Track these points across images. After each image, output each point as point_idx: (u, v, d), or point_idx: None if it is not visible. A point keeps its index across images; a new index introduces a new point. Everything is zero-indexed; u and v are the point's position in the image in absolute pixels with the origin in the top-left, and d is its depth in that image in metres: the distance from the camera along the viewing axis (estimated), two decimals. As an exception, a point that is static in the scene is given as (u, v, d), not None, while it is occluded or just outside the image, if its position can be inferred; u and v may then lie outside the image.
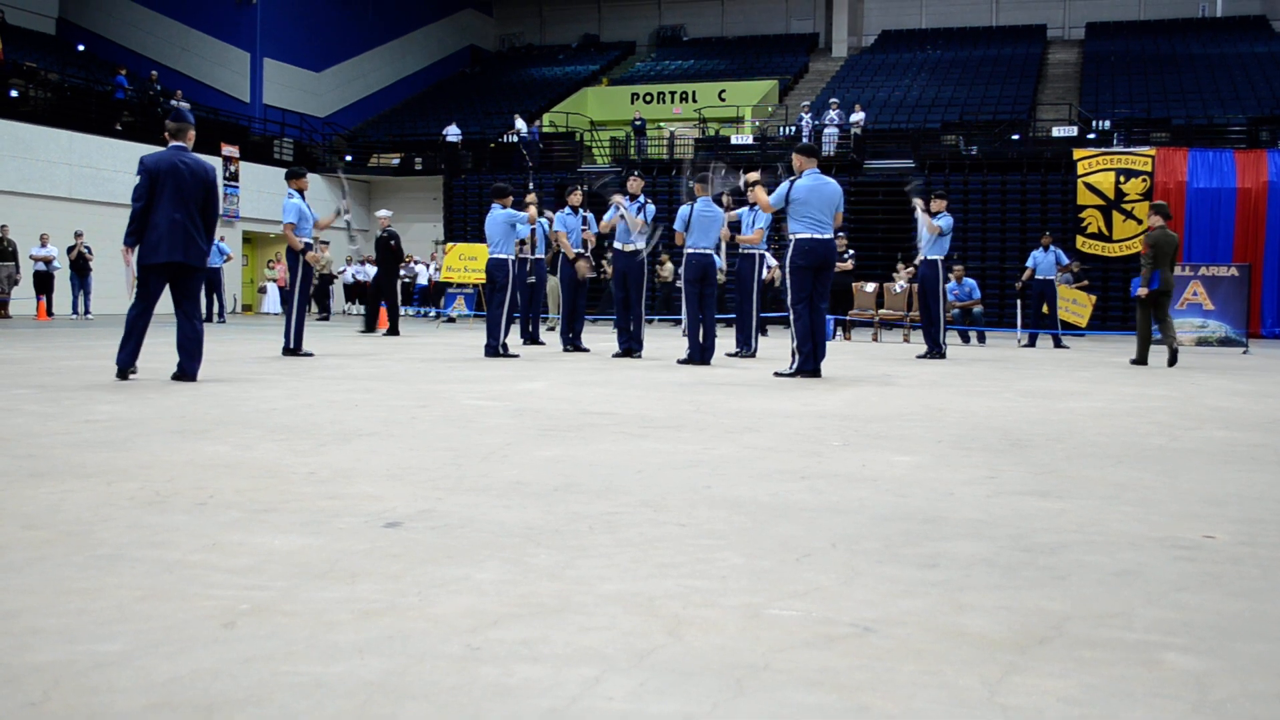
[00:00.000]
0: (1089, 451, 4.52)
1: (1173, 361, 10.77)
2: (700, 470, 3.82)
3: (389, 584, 2.30)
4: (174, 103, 7.32)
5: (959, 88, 28.99)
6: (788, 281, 8.47)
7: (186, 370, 6.98)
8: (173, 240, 6.90)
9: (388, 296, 15.61)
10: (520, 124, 28.21)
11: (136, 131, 23.62)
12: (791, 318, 8.45)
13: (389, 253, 15.50)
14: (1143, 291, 11.24)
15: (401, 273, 20.10)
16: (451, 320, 21.31)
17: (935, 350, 11.57)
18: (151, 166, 6.93)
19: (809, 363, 8.33)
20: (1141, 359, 11.19)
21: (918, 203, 11.70)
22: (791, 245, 8.40)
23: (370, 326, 15.93)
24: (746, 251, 11.13)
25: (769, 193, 8.77)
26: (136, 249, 7.01)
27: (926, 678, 1.79)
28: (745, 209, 11.33)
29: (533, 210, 11.91)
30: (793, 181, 8.45)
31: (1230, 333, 15.22)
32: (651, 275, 12.34)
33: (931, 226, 11.41)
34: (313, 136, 30.23)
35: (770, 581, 2.37)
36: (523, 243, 11.91)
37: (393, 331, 15.12)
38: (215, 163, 24.99)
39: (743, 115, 29.75)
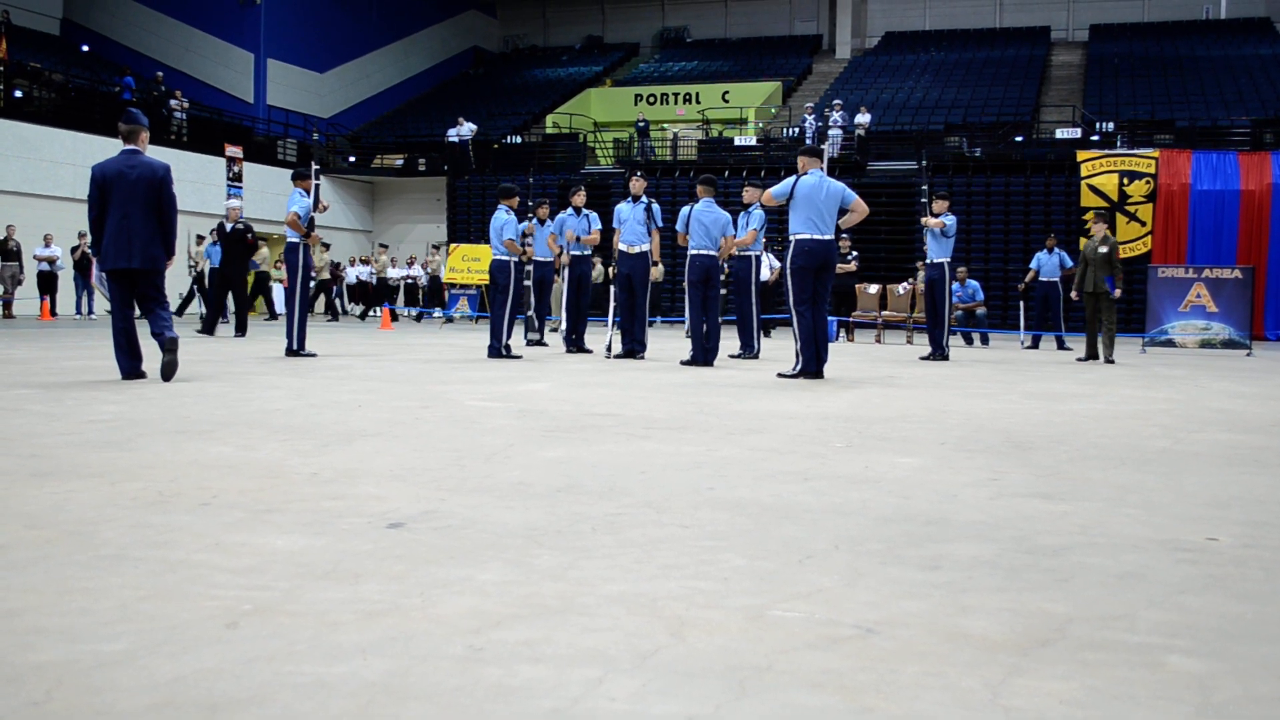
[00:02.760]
0: (1092, 454, 4.52)
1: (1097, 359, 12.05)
2: (703, 472, 3.82)
3: (392, 585, 2.30)
4: (131, 109, 7.37)
5: (962, 89, 28.98)
6: (789, 283, 8.47)
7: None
8: (118, 246, 6.96)
9: (237, 291, 14.38)
10: (467, 127, 28.15)
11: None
12: (793, 319, 8.44)
13: (243, 246, 14.32)
14: (1075, 295, 12.55)
15: (260, 267, 19.67)
16: (446, 319, 21.33)
17: (939, 352, 11.56)
18: (98, 175, 7.01)
19: (811, 364, 8.32)
20: (1111, 356, 12.03)
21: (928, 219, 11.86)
22: (792, 246, 8.40)
23: (209, 328, 14.21)
24: (743, 253, 11.13)
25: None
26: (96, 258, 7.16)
27: (929, 679, 1.79)
28: (742, 213, 11.33)
29: (542, 212, 11.99)
30: (798, 178, 8.45)
31: (1233, 335, 15.20)
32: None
33: (934, 222, 11.45)
34: (316, 137, 30.25)
35: (773, 583, 2.37)
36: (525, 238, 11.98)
37: (240, 330, 13.95)
38: (218, 163, 25.11)
39: (746, 117, 29.76)
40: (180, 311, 21.36)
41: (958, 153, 24.45)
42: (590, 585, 2.32)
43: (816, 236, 8.32)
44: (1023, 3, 35.79)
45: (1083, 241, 21.01)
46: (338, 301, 24.77)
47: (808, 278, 8.37)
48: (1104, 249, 12.11)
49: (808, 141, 24.83)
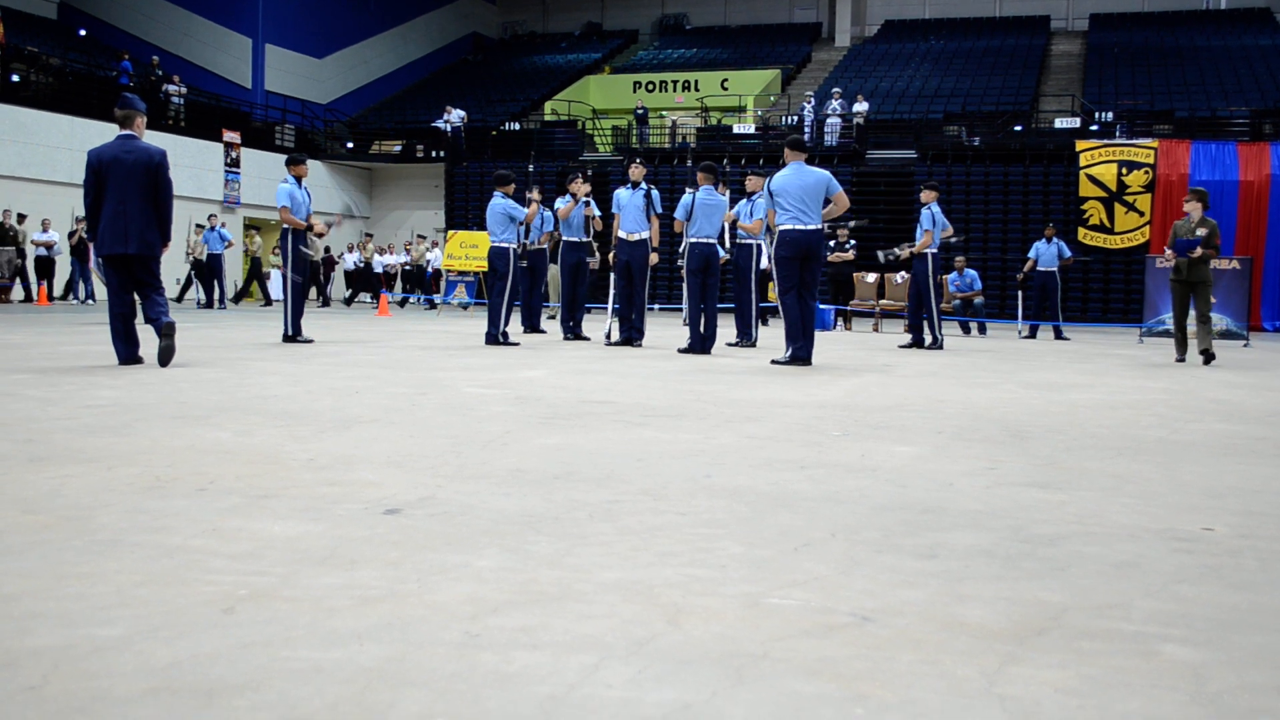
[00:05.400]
0: (1089, 443, 4.52)
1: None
2: (700, 459, 3.82)
3: (388, 571, 2.30)
4: (127, 94, 7.41)
5: (962, 78, 28.91)
6: (774, 273, 8.60)
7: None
8: (114, 232, 6.95)
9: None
10: (456, 114, 28.04)
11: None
12: (780, 308, 8.56)
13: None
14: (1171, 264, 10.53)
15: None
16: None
17: (918, 340, 11.66)
18: (94, 161, 6.99)
19: (800, 351, 8.40)
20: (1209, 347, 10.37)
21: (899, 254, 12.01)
22: (776, 236, 8.52)
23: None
24: (744, 241, 11.14)
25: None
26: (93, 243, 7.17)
27: (925, 667, 1.79)
28: (744, 200, 11.34)
29: (534, 208, 11.94)
30: (772, 175, 8.63)
31: (1231, 326, 15.19)
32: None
33: (921, 245, 11.54)
34: (314, 123, 30.16)
35: (769, 571, 2.37)
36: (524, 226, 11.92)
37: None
38: (215, 149, 25.05)
39: (745, 105, 29.68)
40: (180, 298, 21.35)
41: (956, 142, 24.41)
42: (587, 572, 2.32)
43: (799, 226, 8.40)
44: (1022, -8, 35.74)
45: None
46: (329, 288, 24.83)
47: (793, 267, 8.47)
48: (1202, 231, 10.30)
49: (806, 130, 24.80)
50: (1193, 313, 10.47)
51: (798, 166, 8.54)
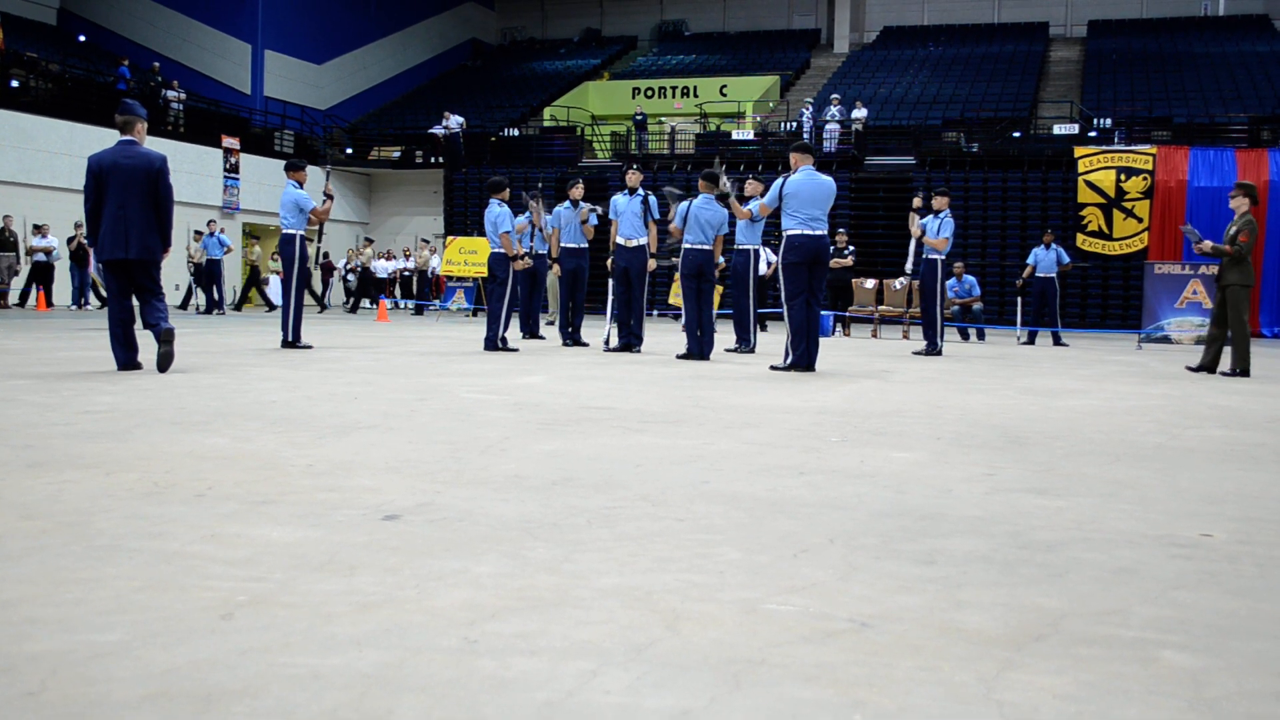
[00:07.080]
0: (1087, 449, 4.52)
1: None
2: (699, 465, 3.82)
3: (387, 576, 2.30)
4: (128, 100, 7.47)
5: (960, 85, 28.95)
6: (782, 278, 8.58)
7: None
8: (114, 237, 6.97)
9: None
10: (455, 120, 28.02)
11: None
12: (786, 313, 8.54)
13: None
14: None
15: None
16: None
17: (931, 347, 11.60)
18: (94, 166, 7.01)
19: (802, 359, 8.40)
20: (1245, 366, 9.53)
21: (914, 216, 11.84)
22: (784, 242, 8.51)
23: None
24: (742, 247, 11.14)
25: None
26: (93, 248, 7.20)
27: (923, 674, 1.79)
28: (744, 206, 11.35)
29: (528, 214, 12.01)
30: (785, 178, 8.56)
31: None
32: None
33: (933, 242, 11.46)
34: (314, 129, 30.19)
35: (768, 577, 2.37)
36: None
37: None
38: (215, 154, 25.06)
39: (744, 111, 29.72)
40: (184, 305, 21.33)
41: (955, 148, 24.43)
42: (585, 578, 2.32)
43: (808, 232, 8.40)
44: (1021, -2, 35.83)
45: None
46: (328, 294, 24.79)
47: (801, 273, 8.45)
48: (1233, 228, 9.46)
49: (805, 136, 24.82)
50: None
51: (809, 172, 8.52)
